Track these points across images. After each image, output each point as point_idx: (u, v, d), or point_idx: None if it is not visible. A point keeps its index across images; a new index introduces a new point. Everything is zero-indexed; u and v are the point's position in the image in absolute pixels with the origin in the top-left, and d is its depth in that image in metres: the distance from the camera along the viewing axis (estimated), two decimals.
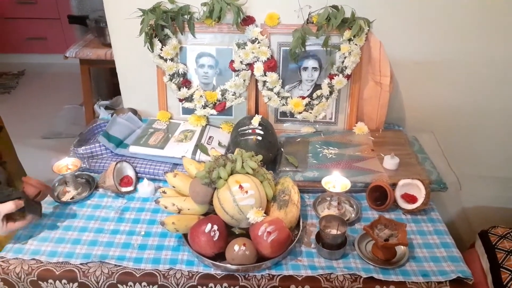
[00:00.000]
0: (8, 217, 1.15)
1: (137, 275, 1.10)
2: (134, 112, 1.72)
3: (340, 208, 1.29)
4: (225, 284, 1.09)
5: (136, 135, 1.59)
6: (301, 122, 1.67)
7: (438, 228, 1.25)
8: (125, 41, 1.64)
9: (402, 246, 1.15)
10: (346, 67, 1.53)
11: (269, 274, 1.09)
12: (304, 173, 1.40)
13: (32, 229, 1.23)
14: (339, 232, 1.15)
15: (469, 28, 1.56)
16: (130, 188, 1.40)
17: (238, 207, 1.11)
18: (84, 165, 1.47)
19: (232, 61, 1.58)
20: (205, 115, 1.67)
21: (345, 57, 1.53)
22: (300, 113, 1.61)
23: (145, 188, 1.38)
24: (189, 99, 1.64)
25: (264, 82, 1.58)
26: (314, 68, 1.59)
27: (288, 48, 1.55)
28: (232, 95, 1.62)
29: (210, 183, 1.15)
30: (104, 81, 3.20)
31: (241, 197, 1.11)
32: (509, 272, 1.38)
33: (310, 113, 1.61)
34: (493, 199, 1.88)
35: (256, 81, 1.60)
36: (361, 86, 1.62)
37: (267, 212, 1.17)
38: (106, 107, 2.82)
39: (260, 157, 1.23)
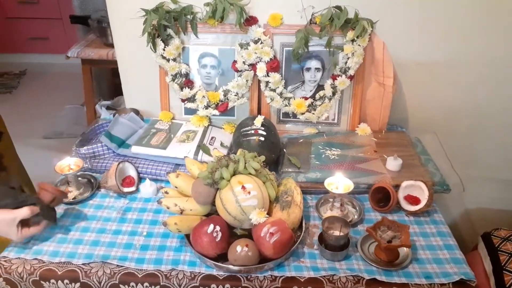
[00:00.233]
0: (23, 223, 1.14)
1: (139, 276, 1.10)
2: (136, 112, 1.71)
3: (343, 210, 1.29)
4: (227, 285, 1.09)
5: (138, 135, 1.59)
6: (303, 123, 1.67)
7: (441, 230, 1.25)
8: (128, 41, 1.64)
9: (405, 248, 1.15)
10: (349, 68, 1.53)
11: (271, 275, 1.09)
12: (306, 174, 1.39)
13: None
14: (342, 234, 1.14)
15: (472, 29, 1.55)
16: (132, 189, 1.39)
17: (241, 208, 1.10)
18: (86, 165, 1.47)
19: (235, 62, 1.58)
20: (207, 116, 1.66)
21: (348, 58, 1.52)
22: (302, 114, 1.61)
23: (147, 188, 1.38)
24: (192, 99, 1.64)
25: (267, 82, 1.57)
26: (317, 69, 1.58)
27: (291, 48, 1.54)
28: (235, 95, 1.62)
29: (212, 183, 1.15)
30: (105, 81, 3.20)
31: (243, 197, 1.11)
32: None
33: (313, 114, 1.61)
34: (496, 201, 1.87)
35: (259, 81, 1.60)
36: (364, 87, 1.61)
37: (269, 213, 1.17)
38: (108, 107, 2.82)
39: (262, 157, 1.23)
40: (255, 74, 1.58)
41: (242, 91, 1.62)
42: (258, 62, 1.55)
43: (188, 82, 1.62)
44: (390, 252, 1.13)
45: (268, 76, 1.56)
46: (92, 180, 1.43)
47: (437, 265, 1.12)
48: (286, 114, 1.67)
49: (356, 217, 1.29)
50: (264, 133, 1.44)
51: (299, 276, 1.09)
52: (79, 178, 1.42)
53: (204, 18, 1.54)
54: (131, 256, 1.15)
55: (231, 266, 1.08)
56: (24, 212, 1.12)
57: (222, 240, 1.10)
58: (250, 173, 1.16)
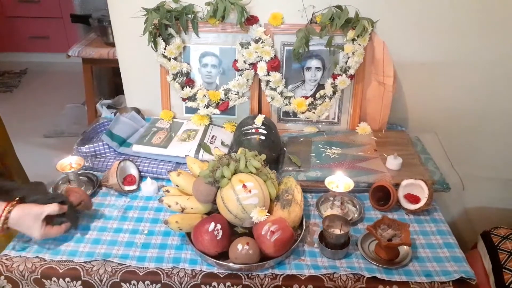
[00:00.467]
0: (47, 221, 1.13)
1: (141, 274, 1.10)
2: (137, 111, 1.72)
3: (343, 208, 1.29)
4: (228, 283, 1.09)
5: (139, 134, 1.59)
6: (304, 122, 1.67)
7: (441, 229, 1.25)
8: (129, 40, 1.65)
9: (405, 246, 1.15)
10: (349, 67, 1.54)
11: (272, 273, 1.10)
12: (307, 173, 1.40)
13: None
14: (342, 232, 1.15)
15: (472, 28, 1.56)
16: (134, 187, 1.40)
17: (242, 206, 1.11)
18: (88, 164, 1.47)
19: (236, 61, 1.58)
20: (208, 115, 1.67)
21: (348, 57, 1.53)
22: (303, 113, 1.61)
23: (148, 187, 1.38)
24: (192, 98, 1.65)
25: (267, 81, 1.58)
26: (318, 68, 1.59)
27: (291, 48, 1.55)
28: (235, 94, 1.62)
29: (213, 182, 1.15)
30: (106, 80, 3.21)
31: (244, 196, 1.11)
32: None
33: (313, 113, 1.61)
34: (496, 200, 1.88)
35: (259, 80, 1.60)
36: (364, 86, 1.62)
37: (270, 212, 1.17)
38: (108, 106, 2.82)
39: (263, 156, 1.24)
40: (255, 73, 1.58)
41: (243, 90, 1.62)
42: (259, 61, 1.55)
43: (189, 81, 1.63)
44: (391, 250, 1.13)
45: (269, 75, 1.56)
46: (93, 179, 1.43)
47: (437, 264, 1.12)
48: (286, 113, 1.67)
49: (356, 215, 1.30)
50: (265, 132, 1.44)
51: (299, 274, 1.09)
52: (80, 177, 1.43)
53: (205, 17, 1.54)
54: (132, 254, 1.15)
55: (232, 264, 1.09)
56: (53, 207, 1.12)
57: (223, 238, 1.11)
58: (251, 172, 1.17)
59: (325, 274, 1.09)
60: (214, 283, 1.09)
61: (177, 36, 1.56)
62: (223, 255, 1.12)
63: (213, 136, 1.59)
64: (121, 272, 1.10)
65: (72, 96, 3.75)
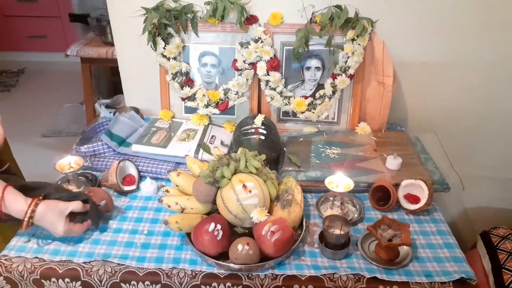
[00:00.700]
0: (70, 218, 1.16)
1: (140, 274, 1.10)
2: (137, 111, 1.71)
3: (343, 208, 1.29)
4: (228, 284, 1.09)
5: (139, 133, 1.59)
6: (303, 122, 1.67)
7: (441, 229, 1.25)
8: (128, 39, 1.64)
9: (405, 246, 1.15)
10: (349, 67, 1.53)
11: (272, 273, 1.09)
12: (306, 173, 1.40)
13: (35, 227, 1.22)
14: (342, 232, 1.14)
15: (472, 28, 1.56)
16: (133, 187, 1.39)
17: (242, 207, 1.11)
18: (87, 164, 1.47)
19: (235, 60, 1.58)
20: (207, 114, 1.66)
21: (348, 57, 1.53)
22: (302, 112, 1.61)
23: (147, 187, 1.38)
24: (192, 98, 1.64)
25: (267, 81, 1.57)
26: (317, 68, 1.58)
27: (291, 47, 1.55)
28: (235, 94, 1.62)
29: (213, 182, 1.15)
30: (104, 80, 3.20)
31: (244, 196, 1.11)
32: (511, 273, 1.38)
33: (313, 112, 1.61)
34: (495, 200, 1.88)
35: (259, 80, 1.60)
36: (364, 86, 1.62)
37: (270, 212, 1.17)
38: (107, 106, 2.81)
39: (263, 156, 1.23)
40: (255, 73, 1.58)
41: (242, 90, 1.62)
42: (258, 61, 1.55)
43: (188, 81, 1.62)
44: (391, 250, 1.13)
45: (268, 75, 1.56)
46: (93, 179, 1.43)
47: (437, 264, 1.12)
48: (286, 113, 1.67)
49: (356, 215, 1.29)
50: (265, 131, 1.44)
51: (300, 275, 1.09)
52: (80, 177, 1.42)
53: (205, 17, 1.54)
54: (132, 255, 1.15)
55: (232, 265, 1.09)
56: (76, 204, 1.16)
57: (223, 239, 1.11)
58: (251, 172, 1.17)
59: (325, 274, 1.09)
60: (214, 284, 1.09)
61: (177, 35, 1.56)
62: (223, 256, 1.12)
63: (212, 136, 1.59)
64: (120, 273, 1.10)
65: (70, 96, 3.74)
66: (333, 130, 1.66)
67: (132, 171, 1.43)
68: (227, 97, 1.63)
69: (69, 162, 1.37)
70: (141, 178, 1.44)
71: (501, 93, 1.68)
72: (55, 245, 1.18)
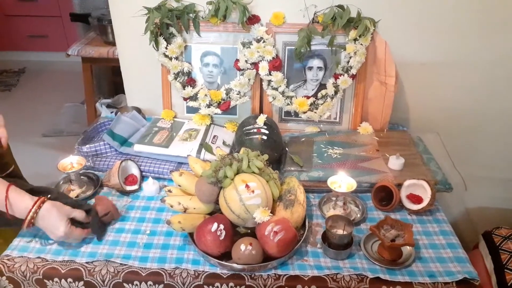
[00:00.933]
0: (72, 222, 1.16)
1: (143, 274, 1.10)
2: (138, 110, 1.71)
3: (345, 208, 1.29)
4: (231, 284, 1.09)
5: (141, 133, 1.59)
6: (305, 122, 1.67)
7: (443, 229, 1.25)
8: (130, 39, 1.64)
9: (408, 247, 1.15)
10: (351, 67, 1.53)
11: (275, 273, 1.09)
12: (309, 173, 1.39)
13: (37, 227, 1.22)
14: (345, 232, 1.14)
15: (474, 29, 1.56)
16: (135, 187, 1.39)
17: (245, 207, 1.10)
18: (89, 163, 1.47)
19: (237, 60, 1.57)
20: (209, 114, 1.66)
21: (350, 57, 1.52)
22: (304, 112, 1.61)
23: (150, 186, 1.38)
24: (194, 98, 1.64)
25: (269, 81, 1.57)
26: (319, 68, 1.58)
27: (293, 47, 1.54)
28: (237, 94, 1.62)
29: (216, 182, 1.15)
30: (105, 79, 3.20)
31: (247, 196, 1.11)
32: None
33: (315, 112, 1.61)
34: (497, 200, 1.88)
35: (261, 80, 1.60)
36: (366, 86, 1.62)
37: (273, 212, 1.16)
38: (108, 106, 2.81)
39: (266, 156, 1.23)
40: (257, 73, 1.58)
41: (244, 90, 1.62)
42: (261, 61, 1.55)
43: (190, 81, 1.62)
44: (394, 250, 1.13)
45: (270, 75, 1.56)
46: (95, 179, 1.43)
47: (440, 264, 1.12)
48: (288, 113, 1.67)
49: (358, 215, 1.29)
50: (267, 131, 1.44)
51: (303, 275, 1.09)
52: (82, 177, 1.42)
53: (207, 17, 1.54)
54: (135, 255, 1.15)
55: (235, 265, 1.09)
56: (78, 213, 1.17)
57: (226, 239, 1.11)
58: (253, 172, 1.16)
59: (328, 274, 1.09)
60: (217, 284, 1.09)
61: (179, 35, 1.55)
62: (225, 256, 1.11)
63: (214, 136, 1.58)
64: (123, 273, 1.10)
65: (71, 95, 3.73)
66: (335, 130, 1.66)
67: (134, 171, 1.43)
68: (229, 97, 1.63)
69: (71, 162, 1.37)
70: (143, 178, 1.44)
71: (501, 93, 1.68)
72: (57, 245, 1.17)
